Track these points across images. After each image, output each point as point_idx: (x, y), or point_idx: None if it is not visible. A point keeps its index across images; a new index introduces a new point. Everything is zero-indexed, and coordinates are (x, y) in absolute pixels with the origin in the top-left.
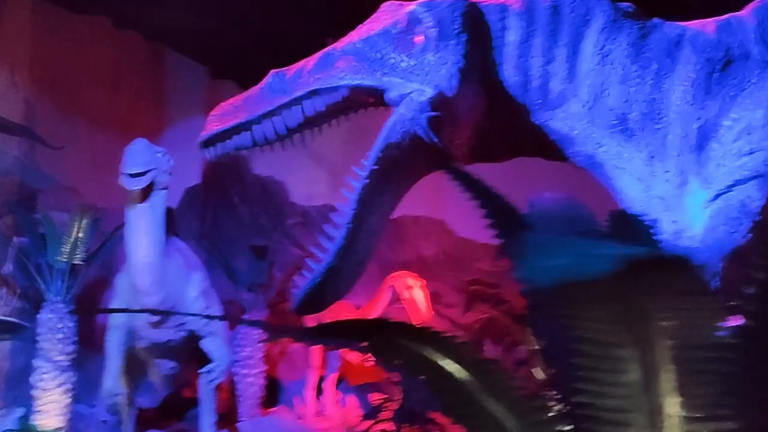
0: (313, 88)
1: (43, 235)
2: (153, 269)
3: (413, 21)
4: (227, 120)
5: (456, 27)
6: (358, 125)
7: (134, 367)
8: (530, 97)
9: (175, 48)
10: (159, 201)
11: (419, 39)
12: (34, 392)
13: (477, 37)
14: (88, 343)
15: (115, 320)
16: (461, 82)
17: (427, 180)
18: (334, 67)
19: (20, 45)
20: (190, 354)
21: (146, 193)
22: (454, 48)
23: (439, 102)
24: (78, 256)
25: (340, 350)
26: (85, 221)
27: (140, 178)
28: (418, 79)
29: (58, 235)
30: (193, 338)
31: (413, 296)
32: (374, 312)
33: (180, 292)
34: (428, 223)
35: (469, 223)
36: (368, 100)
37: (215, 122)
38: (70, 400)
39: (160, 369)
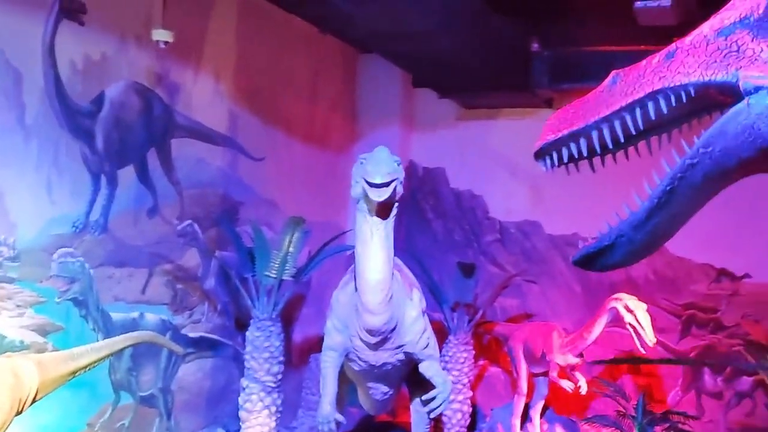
0: (657, 88)
1: (251, 249)
2: (385, 287)
3: None
4: (562, 127)
5: None
6: None
7: (343, 391)
8: None
9: (374, 53)
10: (393, 214)
11: None
12: (240, 413)
13: None
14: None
15: (331, 340)
16: None
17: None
18: (681, 63)
19: (225, 50)
20: (401, 378)
21: (384, 205)
22: None
23: None
24: (288, 271)
25: (551, 376)
26: (296, 235)
27: (385, 188)
28: None
29: (268, 249)
30: (410, 362)
31: (638, 320)
32: (590, 336)
33: (402, 312)
34: None
35: (685, 241)
36: (719, 98)
37: (550, 131)
38: (276, 422)
39: (374, 394)
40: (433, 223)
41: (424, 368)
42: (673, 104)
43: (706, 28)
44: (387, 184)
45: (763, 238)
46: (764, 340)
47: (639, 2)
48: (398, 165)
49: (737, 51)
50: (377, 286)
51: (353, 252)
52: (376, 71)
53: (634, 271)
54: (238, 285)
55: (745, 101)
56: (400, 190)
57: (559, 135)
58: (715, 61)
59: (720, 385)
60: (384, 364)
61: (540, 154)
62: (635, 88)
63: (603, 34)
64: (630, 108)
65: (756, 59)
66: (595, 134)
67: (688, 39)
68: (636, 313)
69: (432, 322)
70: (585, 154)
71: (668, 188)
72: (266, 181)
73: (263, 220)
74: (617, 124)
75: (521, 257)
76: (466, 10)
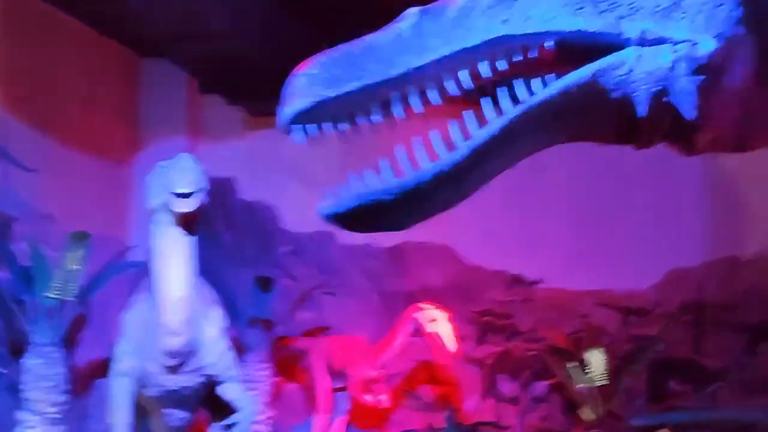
0: (499, 34)
1: (27, 269)
2: (187, 305)
3: None
4: (335, 83)
5: None
6: (355, 143)
7: (138, 419)
8: None
9: (158, 56)
10: (195, 227)
11: None
12: None
13: None
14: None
15: (122, 365)
16: (746, 32)
17: None
18: (532, 4)
19: None
20: (200, 402)
21: (188, 216)
22: None
23: (718, 60)
24: (71, 291)
25: (352, 391)
26: (80, 251)
27: (190, 199)
28: (682, 26)
29: (48, 267)
30: (209, 384)
31: (440, 330)
32: (392, 347)
33: (202, 332)
34: (433, 249)
35: (479, 249)
36: (550, 57)
37: (311, 88)
38: None
39: (170, 420)
40: (222, 236)
41: (225, 390)
42: (519, 57)
43: None
44: (193, 194)
45: (554, 243)
46: (561, 343)
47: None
48: (202, 174)
49: None
50: (179, 304)
51: (140, 269)
52: (160, 76)
53: (430, 280)
54: (13, 308)
55: (634, 53)
56: (204, 200)
57: (340, 92)
58: (584, 7)
59: (517, 390)
60: (182, 388)
61: (300, 120)
62: (459, 33)
63: None
64: (454, 60)
65: (640, 8)
66: (395, 93)
67: None
68: (437, 322)
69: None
70: (380, 118)
71: (495, 136)
72: (42, 193)
73: (40, 236)
74: (429, 82)
75: (316, 269)
76: (255, 11)
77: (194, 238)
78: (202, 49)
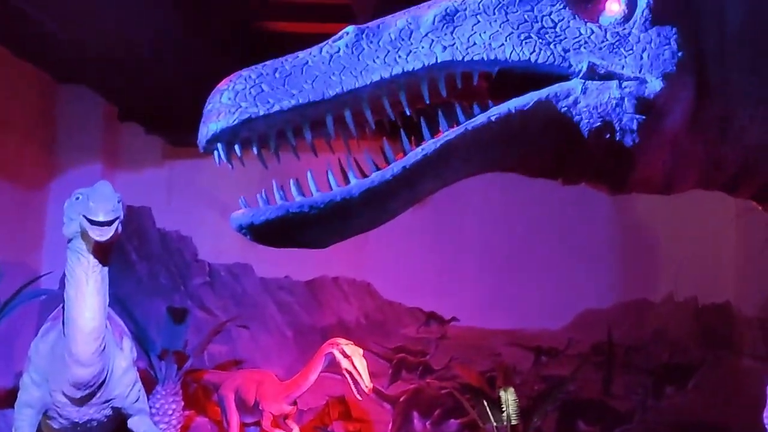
0: (442, 60)
1: None
2: (99, 335)
3: None
4: (265, 100)
5: None
6: (274, 171)
7: None
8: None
9: (77, 82)
10: (110, 255)
11: (613, 3)
12: None
13: (701, 6)
14: None
15: (28, 395)
16: (687, 74)
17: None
18: (474, 31)
19: None
20: None
21: (103, 246)
22: (677, 21)
23: (662, 100)
24: None
25: (264, 426)
26: None
27: (108, 227)
28: (629, 63)
29: None
30: (117, 417)
31: (355, 366)
32: (306, 382)
33: (111, 363)
34: (349, 284)
35: (394, 285)
36: (488, 85)
37: (236, 104)
38: None
39: None
40: (137, 266)
41: (134, 424)
42: (459, 85)
43: None
44: (110, 223)
45: (469, 282)
46: (474, 382)
47: None
48: (119, 203)
49: (554, 28)
50: (91, 334)
51: (51, 296)
52: (78, 102)
53: (345, 315)
54: None
55: (580, 85)
56: (120, 230)
57: (270, 110)
58: (530, 37)
59: (428, 428)
60: (89, 420)
61: (227, 137)
62: (400, 55)
63: None
64: (394, 83)
65: (586, 42)
66: (330, 116)
67: (473, 3)
68: (353, 358)
69: (140, 371)
70: (309, 138)
71: (428, 157)
72: None
73: None
74: (365, 104)
75: (231, 301)
76: (175, 40)
77: (107, 269)
78: (120, 76)
